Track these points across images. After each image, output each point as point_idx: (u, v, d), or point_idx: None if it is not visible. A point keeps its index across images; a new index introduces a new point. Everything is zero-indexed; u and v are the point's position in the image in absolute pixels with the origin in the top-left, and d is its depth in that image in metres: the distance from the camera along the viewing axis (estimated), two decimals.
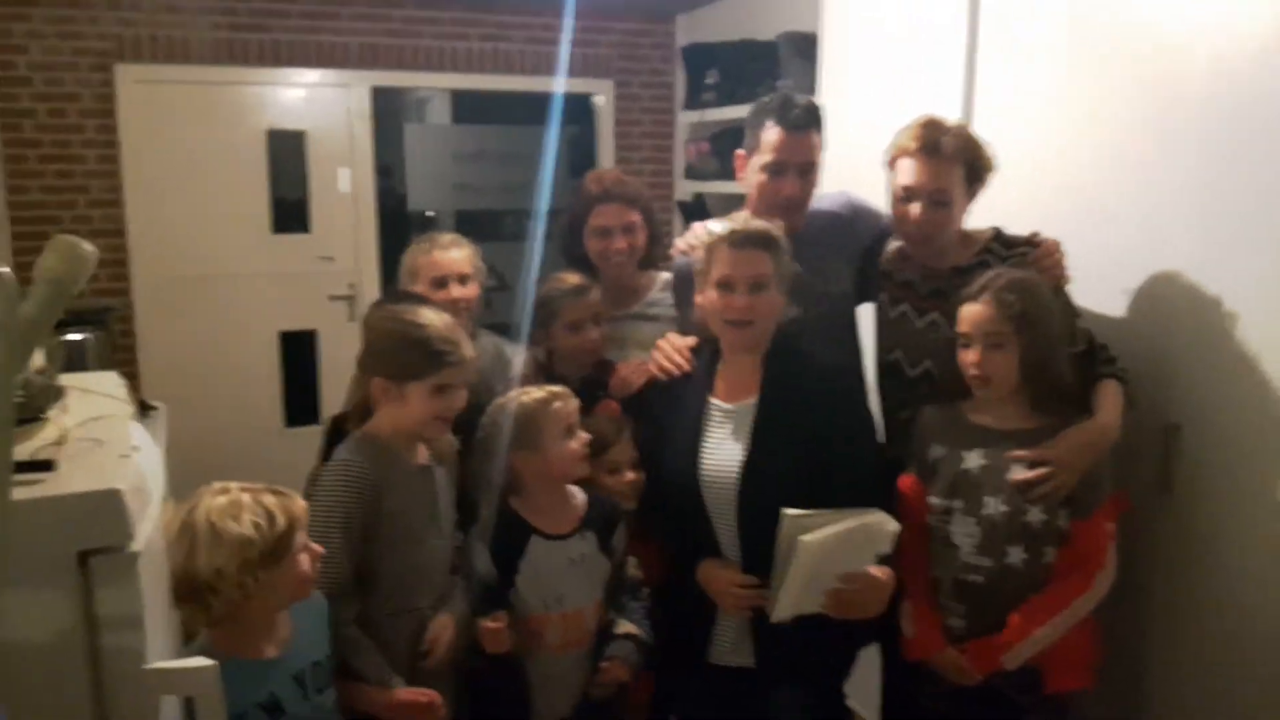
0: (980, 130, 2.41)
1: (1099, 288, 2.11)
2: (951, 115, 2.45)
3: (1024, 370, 1.84)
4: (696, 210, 4.56)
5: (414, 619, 1.93)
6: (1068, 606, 1.84)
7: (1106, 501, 1.88)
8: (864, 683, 2.31)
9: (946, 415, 1.97)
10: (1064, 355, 1.88)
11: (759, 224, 1.96)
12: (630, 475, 2.12)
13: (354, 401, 2.03)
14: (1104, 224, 2.11)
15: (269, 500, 1.53)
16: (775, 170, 2.18)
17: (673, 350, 2.11)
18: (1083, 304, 2.12)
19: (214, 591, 1.47)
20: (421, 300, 2.16)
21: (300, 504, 1.58)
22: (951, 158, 1.98)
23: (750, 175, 2.24)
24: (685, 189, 4.76)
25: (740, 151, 2.28)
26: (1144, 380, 2.03)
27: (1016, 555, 1.85)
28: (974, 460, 1.89)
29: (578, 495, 2.02)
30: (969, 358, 1.87)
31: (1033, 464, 1.83)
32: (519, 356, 2.47)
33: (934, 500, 1.94)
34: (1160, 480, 2.01)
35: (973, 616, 1.90)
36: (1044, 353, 1.84)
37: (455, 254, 2.46)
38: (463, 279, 2.44)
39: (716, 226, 2.10)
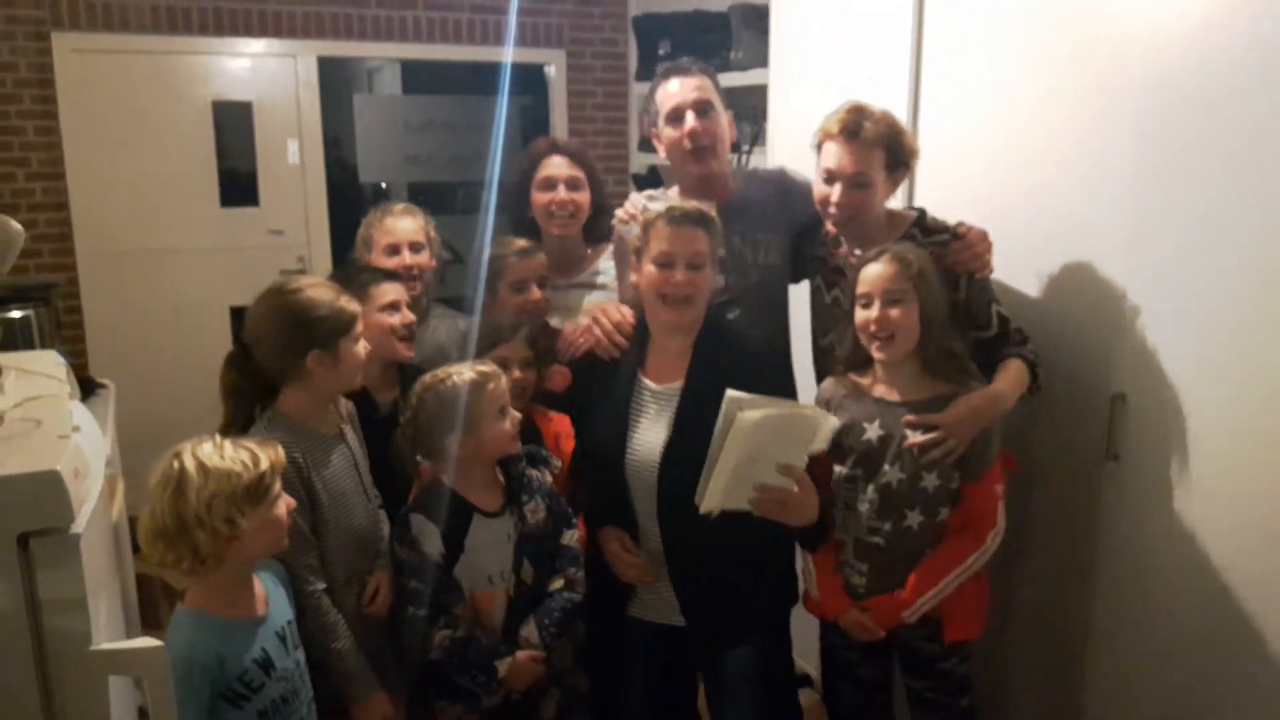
0: (926, 105, 2.44)
1: (1040, 260, 2.15)
2: (899, 90, 2.48)
3: (920, 328, 1.91)
4: (651, 183, 4.53)
5: (359, 584, 1.99)
6: (962, 563, 1.95)
7: (995, 463, 1.97)
8: (805, 637, 2.36)
9: (845, 388, 2.04)
10: (949, 321, 1.96)
11: (696, 203, 2.01)
12: (517, 374, 2.12)
13: (233, 405, 1.99)
14: (1046, 196, 2.14)
15: (249, 444, 1.62)
16: (673, 118, 2.25)
17: (611, 327, 2.12)
18: (1026, 277, 2.16)
19: (201, 525, 1.52)
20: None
21: (280, 452, 1.66)
22: (872, 142, 2.02)
23: (663, 139, 2.30)
24: (640, 161, 4.75)
25: (653, 129, 2.34)
26: (1089, 351, 2.08)
27: (914, 518, 1.95)
28: (873, 431, 1.96)
29: (500, 474, 2.02)
30: (870, 315, 1.92)
31: (925, 429, 1.91)
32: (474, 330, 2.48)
33: (839, 469, 2.02)
34: (1106, 449, 2.06)
35: (874, 575, 2.00)
36: (936, 313, 1.92)
37: (407, 222, 2.47)
38: (414, 246, 2.44)
39: (653, 203, 2.11)
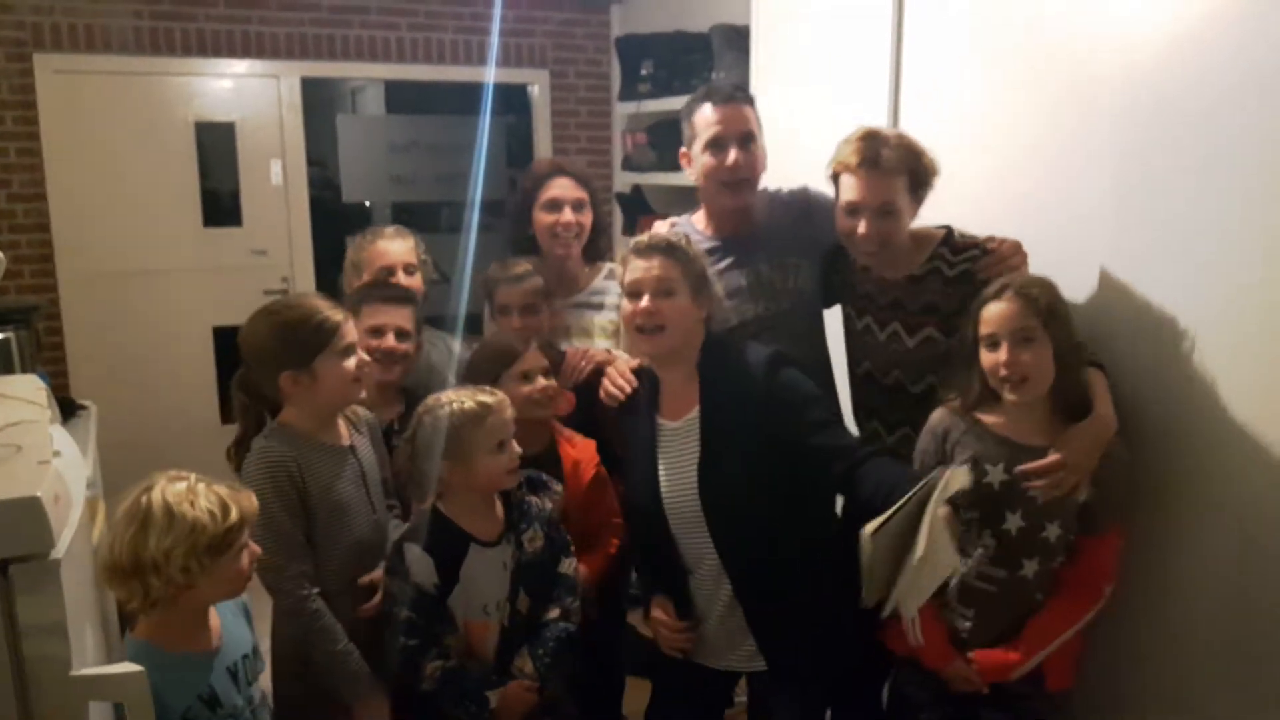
0: (906, 122, 2.47)
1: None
2: (879, 107, 2.50)
3: (1058, 366, 1.80)
4: (635, 202, 4.57)
5: (361, 591, 1.97)
6: (1077, 622, 1.86)
7: (1117, 520, 1.88)
8: None
9: (966, 422, 1.90)
10: (1084, 354, 1.86)
11: (660, 234, 2.01)
12: (542, 381, 2.12)
13: (244, 424, 2.01)
14: (1028, 208, 2.16)
15: (223, 492, 1.56)
16: (716, 145, 2.18)
17: (617, 374, 2.12)
18: None
19: (157, 572, 1.47)
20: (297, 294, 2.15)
21: (253, 501, 1.61)
22: (894, 170, 1.97)
23: (696, 164, 2.23)
24: (623, 181, 4.77)
25: (683, 149, 2.29)
26: None
27: (1030, 568, 1.85)
28: (996, 474, 1.84)
29: (498, 501, 1.99)
30: (999, 358, 1.80)
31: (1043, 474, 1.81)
32: (460, 349, 2.49)
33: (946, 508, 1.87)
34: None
35: (980, 621, 1.90)
36: (1071, 348, 1.81)
37: (399, 244, 2.48)
38: (408, 268, 2.45)
39: (675, 230, 2.13)
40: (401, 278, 2.42)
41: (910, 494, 1.65)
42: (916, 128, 2.42)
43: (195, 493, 1.52)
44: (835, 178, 2.06)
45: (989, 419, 1.88)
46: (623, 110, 4.75)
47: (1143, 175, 1.94)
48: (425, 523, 1.92)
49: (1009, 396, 1.83)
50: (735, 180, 2.19)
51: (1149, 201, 1.93)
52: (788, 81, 2.89)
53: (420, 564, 1.86)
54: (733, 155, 2.17)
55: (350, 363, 1.92)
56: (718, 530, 1.92)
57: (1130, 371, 1.99)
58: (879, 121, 2.47)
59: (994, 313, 1.82)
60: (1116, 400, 1.93)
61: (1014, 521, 1.84)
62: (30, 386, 1.76)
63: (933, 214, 2.18)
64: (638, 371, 2.11)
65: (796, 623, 1.93)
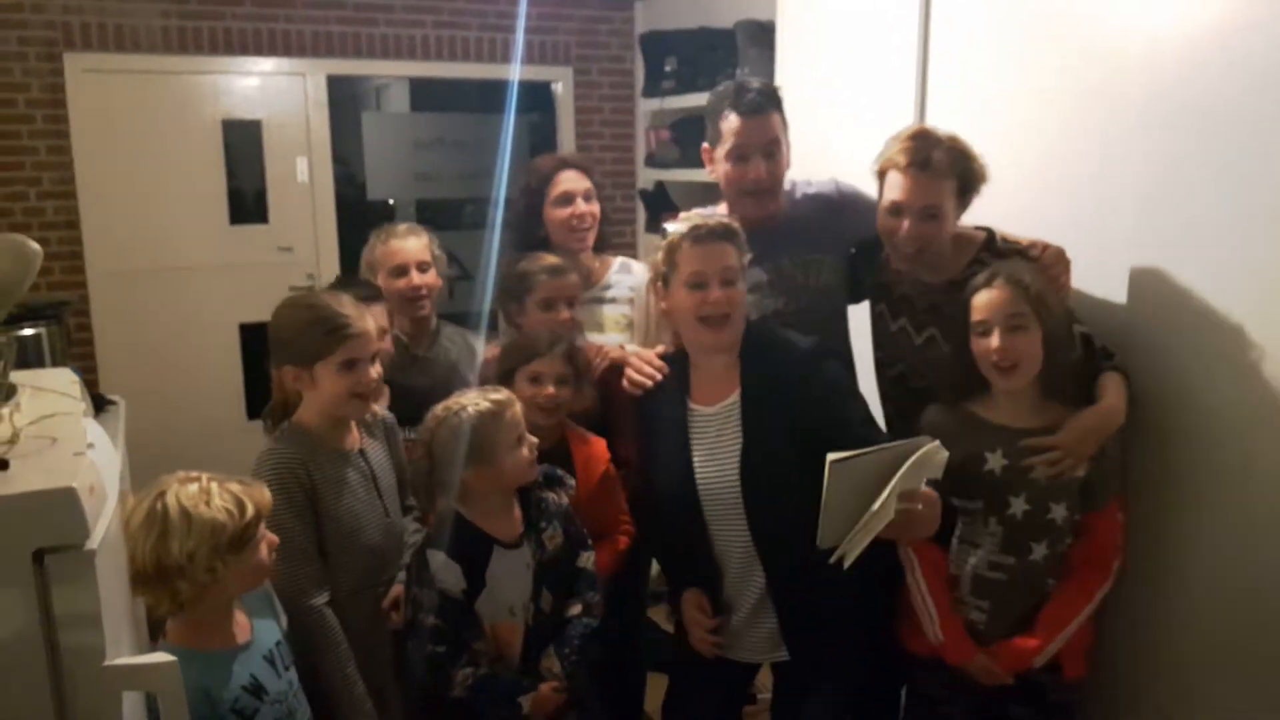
0: (932, 120, 2.45)
1: None
2: (905, 103, 2.49)
3: (1045, 351, 1.83)
4: (658, 199, 4.57)
5: (372, 596, 1.96)
6: (1091, 600, 1.87)
7: (1118, 493, 1.90)
8: None
9: (958, 417, 1.92)
10: (1072, 337, 1.88)
11: (718, 218, 1.95)
12: (550, 389, 2.10)
13: (276, 401, 2.02)
14: (1052, 205, 2.15)
15: (236, 488, 1.56)
16: (739, 156, 2.17)
17: (642, 362, 2.08)
18: None
19: (183, 575, 1.49)
20: (328, 291, 2.10)
21: (266, 494, 1.62)
22: (943, 173, 1.93)
23: (718, 166, 2.22)
24: (647, 177, 4.76)
25: (705, 145, 2.27)
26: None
27: (1039, 551, 1.86)
28: (996, 461, 1.86)
29: (515, 501, 1.97)
30: (990, 344, 1.82)
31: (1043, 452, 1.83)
32: (483, 346, 2.49)
33: (955, 502, 1.90)
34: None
35: (995, 612, 1.90)
36: (1060, 333, 1.84)
37: (412, 242, 2.48)
38: (422, 266, 2.45)
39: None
40: (415, 276, 2.43)
41: (887, 446, 1.67)
42: (942, 122, 2.41)
43: (209, 493, 1.52)
44: (881, 174, 2.02)
45: (981, 410, 1.90)
46: (646, 107, 4.75)
47: (1170, 168, 1.93)
48: (447, 528, 1.89)
49: (999, 384, 1.85)
50: (758, 190, 2.18)
51: (1176, 194, 1.92)
52: (813, 77, 2.87)
53: (446, 570, 1.84)
54: (755, 169, 2.16)
55: (350, 380, 1.88)
56: (756, 519, 1.89)
57: (1147, 369, 1.98)
58: (905, 120, 2.45)
59: (984, 300, 1.84)
60: (1141, 392, 1.93)
61: (1019, 505, 1.85)
62: (64, 379, 1.77)
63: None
64: (666, 357, 2.08)
65: (824, 614, 1.91)
